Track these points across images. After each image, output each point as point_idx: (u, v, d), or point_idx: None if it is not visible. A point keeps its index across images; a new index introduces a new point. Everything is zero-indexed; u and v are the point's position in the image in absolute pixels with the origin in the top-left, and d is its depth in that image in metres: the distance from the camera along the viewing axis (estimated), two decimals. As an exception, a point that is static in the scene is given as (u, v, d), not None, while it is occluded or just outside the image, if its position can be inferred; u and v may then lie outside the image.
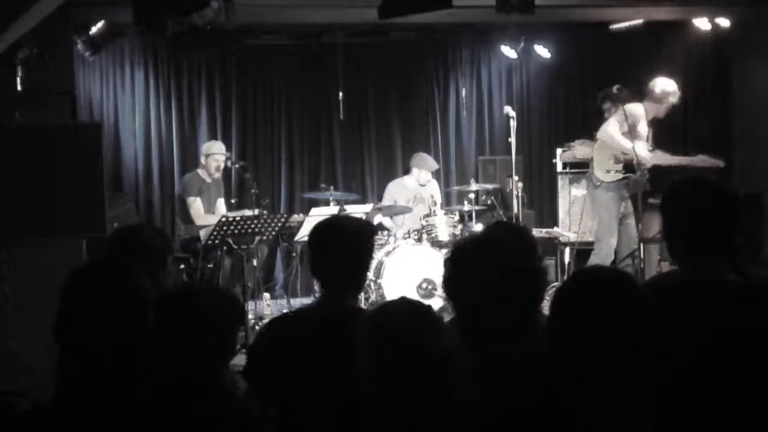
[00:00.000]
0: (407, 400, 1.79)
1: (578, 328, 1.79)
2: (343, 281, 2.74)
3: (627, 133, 6.34)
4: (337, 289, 2.73)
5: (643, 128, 6.48)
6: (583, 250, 6.79)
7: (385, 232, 7.31)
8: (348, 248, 2.73)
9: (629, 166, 6.35)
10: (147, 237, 2.91)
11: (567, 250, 7.14)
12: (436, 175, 8.44)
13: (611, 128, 6.46)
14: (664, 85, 6.46)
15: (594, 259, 6.58)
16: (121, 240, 2.92)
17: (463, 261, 2.25)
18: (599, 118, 6.98)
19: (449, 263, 2.26)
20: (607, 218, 6.50)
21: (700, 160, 6.41)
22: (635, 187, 6.34)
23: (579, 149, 7.74)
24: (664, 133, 7.20)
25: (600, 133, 6.57)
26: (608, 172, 6.50)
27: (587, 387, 1.73)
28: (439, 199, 7.74)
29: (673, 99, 6.48)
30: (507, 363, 1.82)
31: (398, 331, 1.84)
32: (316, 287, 7.55)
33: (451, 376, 1.81)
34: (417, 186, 7.76)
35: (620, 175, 6.44)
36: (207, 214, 7.06)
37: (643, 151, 6.30)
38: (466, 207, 7.40)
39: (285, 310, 7.36)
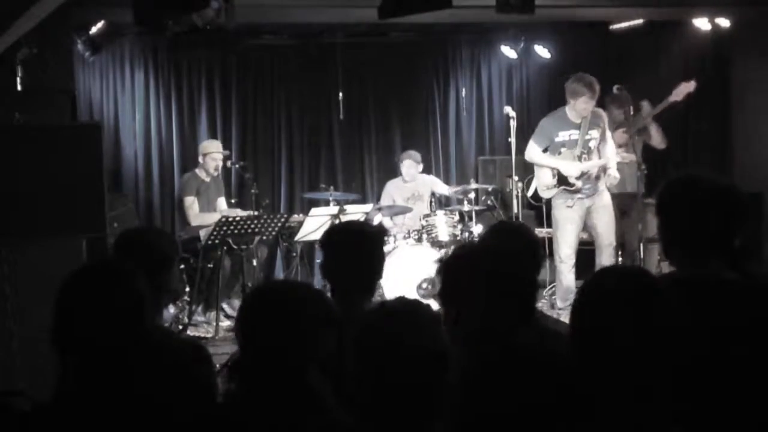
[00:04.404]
0: (396, 399, 1.79)
1: (597, 328, 1.77)
2: (357, 285, 2.73)
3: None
4: (351, 293, 2.71)
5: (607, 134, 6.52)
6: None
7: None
8: (362, 252, 2.74)
9: (562, 178, 6.36)
10: (152, 240, 2.89)
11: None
12: (436, 174, 8.46)
13: (530, 150, 6.54)
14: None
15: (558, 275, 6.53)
16: (127, 243, 2.90)
17: (457, 266, 2.28)
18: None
19: (444, 269, 2.29)
20: (555, 228, 6.50)
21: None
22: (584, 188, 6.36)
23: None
24: (664, 132, 7.21)
25: (525, 156, 6.63)
26: (548, 188, 6.51)
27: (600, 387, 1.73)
28: (445, 190, 7.78)
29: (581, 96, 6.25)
30: (504, 361, 1.81)
31: (387, 330, 1.84)
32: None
33: (444, 375, 1.81)
34: (414, 185, 7.77)
35: (555, 190, 6.42)
36: (204, 212, 7.06)
37: (564, 165, 6.31)
38: (466, 207, 7.40)
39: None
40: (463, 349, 2.00)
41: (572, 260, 6.40)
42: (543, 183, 6.54)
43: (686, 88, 6.73)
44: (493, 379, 1.70)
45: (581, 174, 6.32)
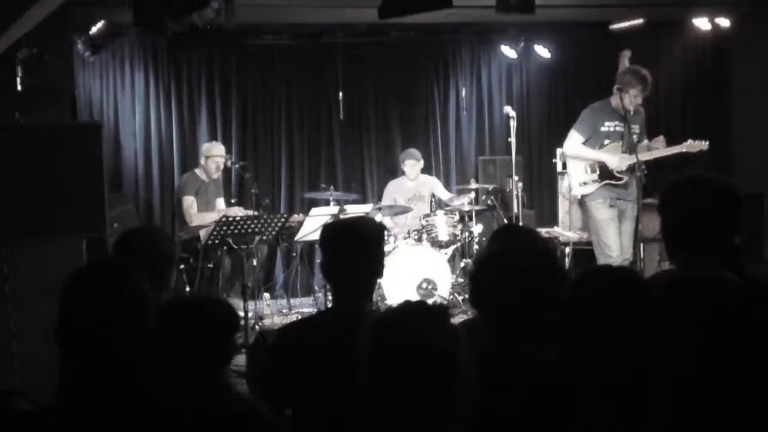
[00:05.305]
0: (407, 401, 1.79)
1: (583, 326, 1.78)
2: (357, 284, 2.69)
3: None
4: (351, 292, 2.69)
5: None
6: (582, 250, 6.78)
7: (386, 232, 7.30)
8: (361, 250, 2.69)
9: (605, 172, 6.12)
10: (152, 239, 2.89)
11: (567, 250, 7.14)
12: (436, 174, 8.47)
13: (571, 140, 6.23)
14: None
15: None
16: (127, 242, 2.89)
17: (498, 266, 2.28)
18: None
19: (479, 270, 2.29)
20: (596, 230, 6.19)
21: (687, 146, 6.18)
22: (625, 189, 6.14)
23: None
24: (663, 132, 7.21)
25: (564, 149, 6.36)
26: (584, 183, 6.22)
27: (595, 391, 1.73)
28: (446, 195, 7.78)
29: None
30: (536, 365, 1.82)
31: (402, 332, 1.84)
32: (316, 287, 7.59)
33: (456, 375, 1.81)
34: (416, 185, 7.78)
35: (597, 185, 6.15)
36: (202, 212, 7.06)
37: (610, 158, 6.08)
38: (466, 207, 7.41)
39: (285, 310, 7.40)
40: (486, 350, 2.00)
41: (620, 258, 6.06)
42: (578, 179, 6.24)
43: (624, 57, 6.84)
44: (500, 380, 1.70)
45: (629, 168, 6.04)
